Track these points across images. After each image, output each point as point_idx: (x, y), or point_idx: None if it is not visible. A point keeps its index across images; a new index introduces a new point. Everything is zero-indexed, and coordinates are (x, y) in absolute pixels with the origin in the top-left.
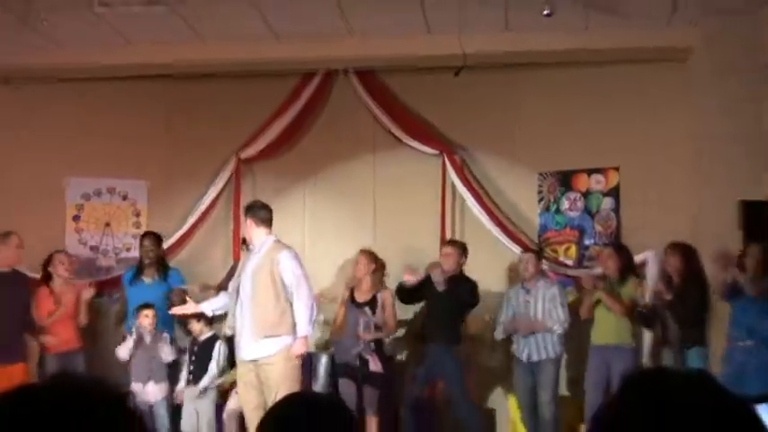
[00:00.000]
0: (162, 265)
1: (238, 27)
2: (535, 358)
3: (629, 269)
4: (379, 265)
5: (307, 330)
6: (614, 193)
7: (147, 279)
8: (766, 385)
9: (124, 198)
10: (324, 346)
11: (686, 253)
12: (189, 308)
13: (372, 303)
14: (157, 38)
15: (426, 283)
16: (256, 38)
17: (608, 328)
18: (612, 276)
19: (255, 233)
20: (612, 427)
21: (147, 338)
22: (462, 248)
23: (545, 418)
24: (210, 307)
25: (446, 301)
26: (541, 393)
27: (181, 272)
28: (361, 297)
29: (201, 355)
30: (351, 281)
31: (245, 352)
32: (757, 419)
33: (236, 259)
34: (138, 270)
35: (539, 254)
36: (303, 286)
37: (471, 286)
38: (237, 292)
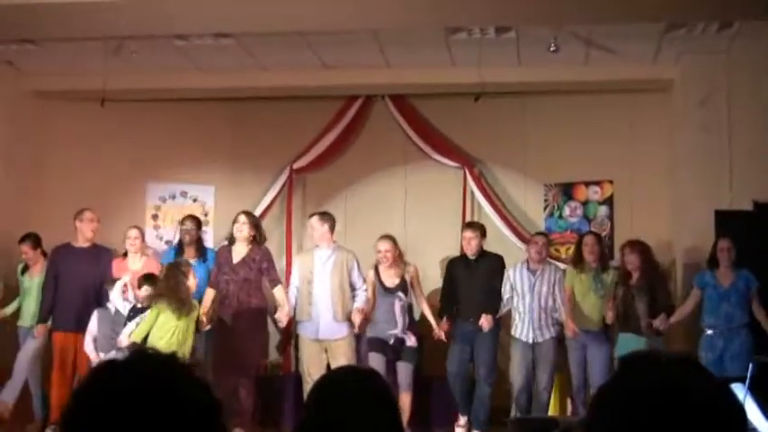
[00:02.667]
0: (200, 247)
1: (293, 58)
2: (540, 339)
3: (608, 259)
4: (398, 251)
5: (362, 305)
6: (608, 202)
7: (187, 258)
8: (743, 368)
9: (194, 200)
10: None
11: (643, 250)
12: (284, 312)
13: (403, 286)
14: (225, 66)
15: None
16: (308, 67)
17: (584, 314)
18: (594, 264)
19: (327, 237)
20: (616, 403)
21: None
22: (482, 230)
23: (543, 395)
24: (293, 301)
25: (479, 277)
26: (541, 373)
27: (215, 252)
28: (390, 282)
29: None
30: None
31: (322, 331)
32: (733, 394)
33: (289, 253)
34: (179, 250)
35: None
36: (362, 279)
37: (499, 258)
38: (308, 283)
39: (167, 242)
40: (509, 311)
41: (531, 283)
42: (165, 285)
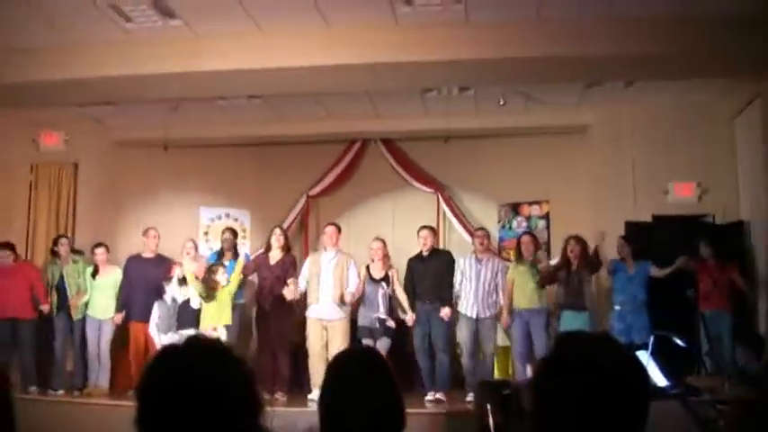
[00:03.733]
0: (236, 251)
1: (306, 112)
2: (482, 316)
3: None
4: (386, 251)
5: (354, 290)
6: (546, 217)
7: (225, 261)
8: (646, 337)
9: (235, 220)
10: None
11: (583, 244)
12: (292, 290)
13: (386, 279)
14: (255, 119)
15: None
16: (318, 119)
17: (525, 296)
18: (529, 257)
19: (334, 241)
20: (552, 372)
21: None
22: (434, 231)
23: (487, 361)
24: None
25: (431, 269)
26: (484, 343)
27: (249, 256)
28: (377, 275)
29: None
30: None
31: (324, 313)
32: (640, 362)
33: (307, 257)
34: (220, 253)
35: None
36: (356, 276)
37: (447, 253)
38: (316, 276)
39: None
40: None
41: (477, 270)
42: (203, 279)
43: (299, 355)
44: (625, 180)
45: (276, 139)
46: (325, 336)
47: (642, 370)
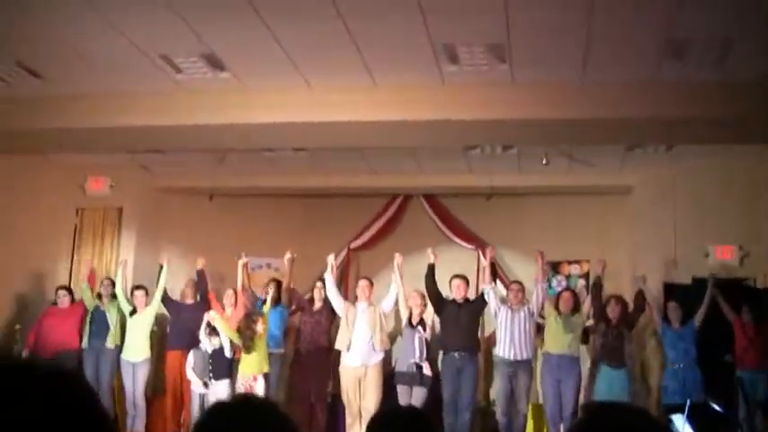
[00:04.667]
0: (277, 301)
1: (350, 166)
2: (519, 357)
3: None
4: (424, 301)
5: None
6: (585, 276)
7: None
8: (700, 395)
9: (276, 270)
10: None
11: (623, 304)
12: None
13: (422, 324)
14: (300, 171)
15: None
16: (361, 172)
17: (557, 342)
18: (567, 312)
19: (369, 295)
20: None
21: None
22: (466, 280)
23: (520, 420)
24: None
25: (463, 318)
26: (519, 401)
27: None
28: (414, 321)
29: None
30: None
31: (357, 360)
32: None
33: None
34: (264, 301)
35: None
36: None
37: (480, 299)
38: (351, 324)
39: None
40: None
41: (512, 317)
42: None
43: (335, 405)
44: (666, 241)
45: (320, 191)
46: (359, 389)
47: None
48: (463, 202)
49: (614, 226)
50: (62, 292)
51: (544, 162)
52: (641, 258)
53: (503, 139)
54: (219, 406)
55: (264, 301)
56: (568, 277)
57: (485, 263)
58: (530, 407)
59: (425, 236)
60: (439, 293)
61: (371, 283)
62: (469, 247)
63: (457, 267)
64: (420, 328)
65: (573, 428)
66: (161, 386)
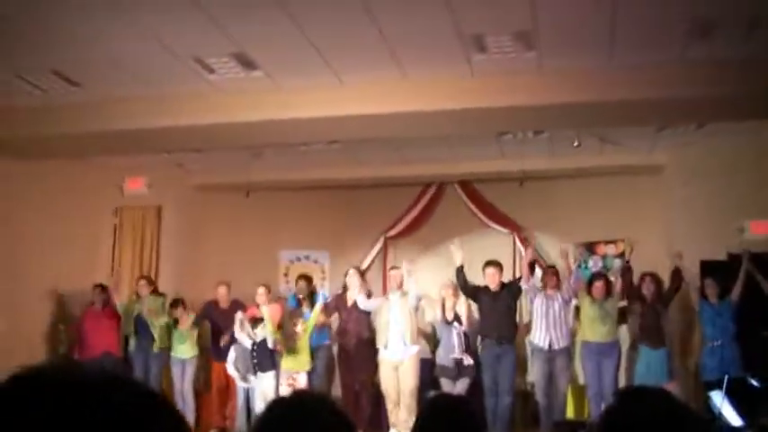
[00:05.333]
0: (312, 299)
1: (384, 156)
2: (555, 347)
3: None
4: (457, 292)
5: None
6: (621, 256)
7: (304, 308)
8: (739, 371)
9: (315, 262)
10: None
11: (658, 281)
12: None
13: (457, 318)
14: (335, 163)
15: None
16: (396, 163)
17: (595, 331)
18: (600, 298)
19: (401, 284)
20: (615, 423)
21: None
22: (500, 266)
23: (560, 399)
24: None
25: (500, 306)
26: (558, 379)
27: (327, 296)
28: (449, 315)
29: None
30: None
31: (394, 354)
32: (700, 419)
33: (384, 294)
34: (298, 301)
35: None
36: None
37: (515, 285)
38: (386, 322)
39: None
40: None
41: (547, 306)
42: (283, 332)
43: (380, 393)
44: (700, 219)
45: (355, 182)
46: (397, 376)
47: (702, 424)
48: (496, 187)
49: (648, 205)
50: (96, 291)
51: (575, 144)
52: (676, 236)
53: (533, 125)
54: (280, 402)
55: (299, 301)
56: (604, 257)
57: (525, 257)
58: (569, 387)
59: (461, 222)
60: (474, 290)
61: (403, 273)
62: (505, 231)
63: (494, 254)
64: (456, 323)
65: (603, 414)
66: (208, 381)
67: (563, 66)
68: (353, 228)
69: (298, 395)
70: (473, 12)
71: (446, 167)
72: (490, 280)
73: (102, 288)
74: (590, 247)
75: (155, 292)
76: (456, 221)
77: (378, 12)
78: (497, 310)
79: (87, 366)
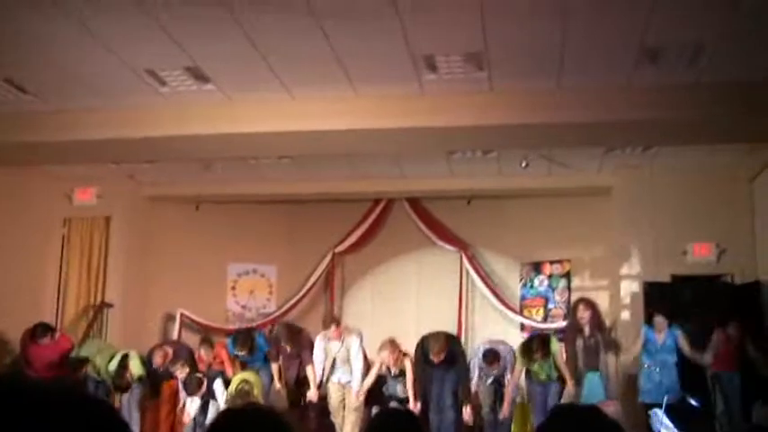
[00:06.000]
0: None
1: (335, 171)
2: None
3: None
4: (398, 351)
5: (359, 387)
6: (567, 275)
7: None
8: (676, 397)
9: (262, 276)
10: None
11: (594, 307)
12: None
13: (402, 374)
14: (284, 178)
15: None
16: (345, 178)
17: (541, 376)
18: (540, 358)
19: (340, 334)
20: None
21: None
22: (445, 347)
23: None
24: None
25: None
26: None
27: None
28: (394, 371)
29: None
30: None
31: (341, 378)
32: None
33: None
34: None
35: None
36: (360, 360)
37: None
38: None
39: (242, 306)
40: None
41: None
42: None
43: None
44: (645, 240)
45: (304, 197)
46: (343, 393)
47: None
48: (445, 205)
49: (594, 225)
50: (39, 330)
51: (524, 165)
52: (621, 256)
53: (482, 145)
54: (231, 413)
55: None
56: (550, 277)
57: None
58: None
59: (409, 239)
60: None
61: (338, 323)
62: (452, 248)
63: (441, 271)
64: (401, 378)
65: (541, 424)
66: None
67: (513, 87)
68: (302, 242)
69: (246, 407)
70: (424, 32)
71: (395, 184)
72: (435, 358)
73: (49, 329)
74: (536, 267)
75: (104, 304)
76: (404, 238)
77: (330, 29)
78: (443, 385)
79: (32, 378)
